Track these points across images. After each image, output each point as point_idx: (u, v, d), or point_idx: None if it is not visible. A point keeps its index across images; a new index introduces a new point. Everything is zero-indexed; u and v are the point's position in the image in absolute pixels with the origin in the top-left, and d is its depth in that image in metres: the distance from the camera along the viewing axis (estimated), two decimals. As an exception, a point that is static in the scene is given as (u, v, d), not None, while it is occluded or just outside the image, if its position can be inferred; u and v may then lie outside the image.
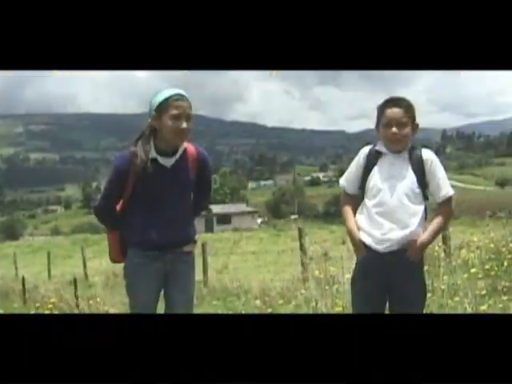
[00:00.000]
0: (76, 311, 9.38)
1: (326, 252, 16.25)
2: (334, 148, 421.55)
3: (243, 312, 8.28)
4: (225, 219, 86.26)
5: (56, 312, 9.05)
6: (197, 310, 10.20)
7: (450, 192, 4.11)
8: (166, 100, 3.99)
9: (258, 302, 8.77)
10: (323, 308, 7.01)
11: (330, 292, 7.54)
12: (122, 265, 4.44)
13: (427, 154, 4.11)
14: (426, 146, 4.22)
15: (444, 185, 4.09)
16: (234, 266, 19.05)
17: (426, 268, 7.73)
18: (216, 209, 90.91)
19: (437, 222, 4.12)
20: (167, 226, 4.19)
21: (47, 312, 8.89)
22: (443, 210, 4.14)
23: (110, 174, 4.15)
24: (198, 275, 13.84)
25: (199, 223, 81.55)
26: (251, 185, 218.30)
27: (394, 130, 4.07)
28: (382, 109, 4.25)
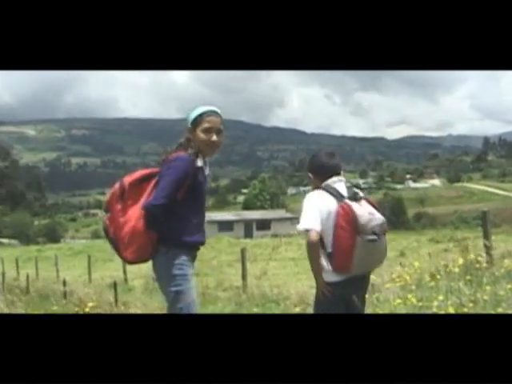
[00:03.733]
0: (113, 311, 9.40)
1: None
2: (374, 154, 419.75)
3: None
4: (264, 225, 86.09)
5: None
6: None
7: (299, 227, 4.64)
8: (200, 115, 4.51)
9: (297, 309, 8.68)
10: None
11: (370, 301, 7.42)
12: None
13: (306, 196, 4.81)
14: (319, 188, 4.77)
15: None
16: (273, 273, 19.00)
17: (468, 278, 7.64)
18: (255, 214, 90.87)
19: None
20: (203, 227, 4.64)
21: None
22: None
23: (171, 174, 4.34)
24: (237, 281, 13.89)
25: (239, 228, 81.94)
26: (291, 191, 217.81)
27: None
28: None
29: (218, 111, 4.60)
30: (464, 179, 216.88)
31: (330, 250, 4.55)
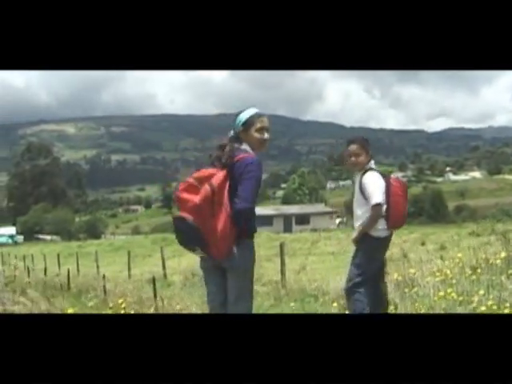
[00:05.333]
0: (152, 310, 9.41)
1: (406, 253, 15.94)
2: (413, 147, 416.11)
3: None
4: (303, 219, 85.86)
5: (132, 311, 9.07)
6: (274, 311, 10.18)
7: (373, 201, 6.10)
8: (252, 117, 4.95)
9: (335, 304, 8.61)
10: (402, 311, 6.81)
11: (409, 295, 7.32)
12: (198, 264, 5.18)
13: (365, 176, 6.25)
14: (372, 169, 6.32)
15: (370, 196, 6.12)
16: (312, 267, 18.90)
17: (510, 272, 7.46)
18: (294, 209, 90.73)
19: (364, 221, 6.26)
20: None
21: (122, 311, 8.89)
22: (371, 214, 6.16)
23: (253, 177, 4.79)
24: (276, 275, 13.84)
25: (278, 223, 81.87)
26: (330, 185, 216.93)
27: (353, 159, 6.35)
28: (346, 146, 6.49)
29: (264, 113, 5.08)
30: (505, 171, 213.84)
31: (384, 214, 6.15)
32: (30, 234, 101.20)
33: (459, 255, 8.68)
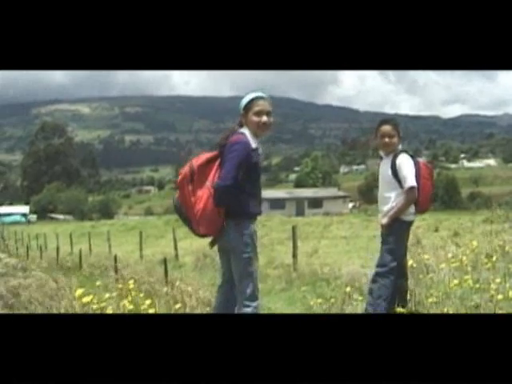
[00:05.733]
0: (165, 289, 9.37)
1: (419, 240, 15.84)
2: (427, 133, 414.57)
3: (332, 299, 8.04)
4: (316, 203, 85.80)
5: (141, 294, 9.04)
6: (286, 294, 10.15)
7: (409, 184, 6.05)
8: (251, 101, 5.10)
9: (348, 288, 8.54)
10: (417, 298, 6.72)
11: (424, 281, 7.22)
12: (209, 245, 5.36)
13: (399, 158, 6.17)
14: (404, 151, 6.25)
15: (406, 178, 6.07)
16: (324, 251, 18.84)
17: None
18: (307, 193, 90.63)
19: (397, 205, 6.16)
20: (260, 200, 5.33)
21: (133, 293, 8.84)
22: (405, 197, 6.11)
23: (235, 157, 4.92)
24: (288, 259, 13.79)
25: (290, 206, 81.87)
26: (343, 169, 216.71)
27: (387, 139, 6.26)
28: (377, 127, 6.38)
29: (265, 96, 5.19)
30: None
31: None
32: (43, 213, 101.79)
33: (474, 243, 8.53)
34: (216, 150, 5.11)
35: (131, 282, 8.60)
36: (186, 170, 5.04)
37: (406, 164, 6.11)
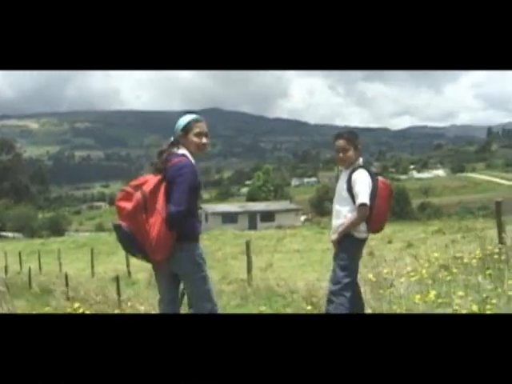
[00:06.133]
0: (117, 310, 9.17)
1: (372, 251, 15.85)
2: (377, 145, 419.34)
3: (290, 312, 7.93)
4: (268, 216, 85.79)
5: (95, 311, 8.82)
6: (241, 310, 9.99)
7: (360, 201, 5.80)
8: (189, 122, 5.22)
9: (304, 304, 8.42)
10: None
11: (384, 296, 7.07)
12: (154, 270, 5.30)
13: (355, 173, 5.91)
14: (363, 167, 5.99)
15: (358, 194, 5.82)
16: (279, 265, 18.77)
17: (489, 272, 7.30)
18: (259, 206, 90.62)
19: (348, 221, 5.93)
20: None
21: (87, 311, 8.62)
22: (356, 213, 5.87)
23: (186, 180, 4.94)
24: (242, 274, 13.65)
25: (243, 220, 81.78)
26: (294, 182, 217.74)
27: (341, 155, 6.02)
28: (333, 141, 6.13)
29: (202, 118, 5.36)
30: (468, 169, 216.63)
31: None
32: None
33: (435, 254, 8.47)
34: (154, 173, 5.06)
35: (77, 304, 8.32)
36: (138, 197, 4.89)
37: (360, 180, 5.87)
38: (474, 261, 7.92)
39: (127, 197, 4.96)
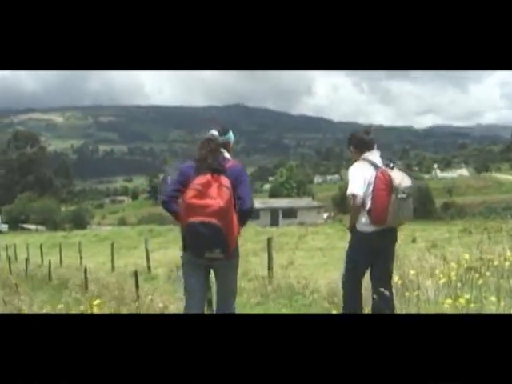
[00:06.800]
0: (136, 304, 9.03)
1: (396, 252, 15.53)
2: (401, 143, 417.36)
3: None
4: (290, 213, 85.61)
5: (113, 305, 8.69)
6: (261, 308, 9.81)
7: (347, 192, 6.21)
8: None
9: (326, 303, 8.23)
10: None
11: (411, 299, 6.78)
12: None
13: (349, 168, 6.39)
14: (361, 160, 6.30)
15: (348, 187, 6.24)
16: (300, 263, 18.57)
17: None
18: (282, 203, 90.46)
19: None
20: None
21: (105, 306, 8.49)
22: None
23: (249, 182, 5.39)
24: (263, 271, 13.45)
25: (265, 216, 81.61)
26: (317, 179, 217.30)
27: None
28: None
29: None
30: (492, 169, 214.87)
31: (368, 207, 6.08)
32: (15, 223, 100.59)
33: (466, 257, 8.14)
34: (212, 173, 5.06)
35: (97, 301, 8.18)
36: (227, 193, 5.00)
37: (349, 173, 6.27)
38: (508, 263, 7.59)
39: (200, 195, 4.93)
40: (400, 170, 6.22)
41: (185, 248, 5.31)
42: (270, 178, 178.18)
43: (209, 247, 4.97)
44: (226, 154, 5.41)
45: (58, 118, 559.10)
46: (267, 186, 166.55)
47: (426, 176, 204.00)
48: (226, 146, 5.53)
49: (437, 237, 21.50)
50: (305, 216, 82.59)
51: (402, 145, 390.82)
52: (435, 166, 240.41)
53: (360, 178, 6.07)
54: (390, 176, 6.01)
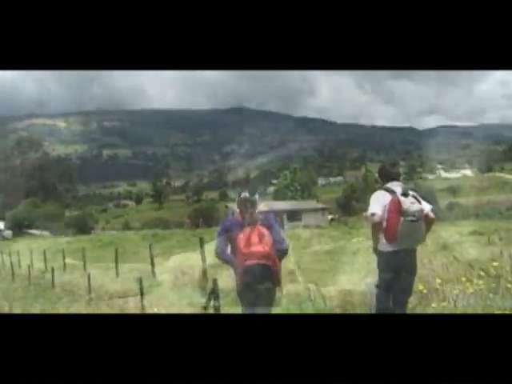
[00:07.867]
0: (139, 311, 8.84)
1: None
2: (404, 144, 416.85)
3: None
4: (295, 216, 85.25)
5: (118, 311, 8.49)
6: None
7: (368, 212, 7.07)
8: None
9: (338, 309, 7.98)
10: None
11: (438, 310, 6.47)
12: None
13: None
14: (381, 188, 7.30)
15: None
16: (307, 267, 18.33)
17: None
18: (286, 205, 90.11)
19: None
20: None
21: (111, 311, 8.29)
22: None
23: (278, 226, 7.01)
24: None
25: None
26: (320, 181, 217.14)
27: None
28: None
29: None
30: (496, 169, 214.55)
31: (383, 227, 6.79)
32: (19, 228, 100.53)
33: (494, 264, 7.78)
34: (249, 225, 6.56)
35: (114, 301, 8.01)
36: (268, 241, 6.42)
37: (371, 198, 7.19)
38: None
39: (248, 244, 6.32)
40: (414, 196, 7.02)
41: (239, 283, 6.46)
42: (274, 181, 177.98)
43: (263, 281, 6.30)
44: (257, 208, 6.89)
45: (61, 123, 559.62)
46: (271, 189, 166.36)
47: (430, 176, 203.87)
48: (255, 203, 7.03)
49: (447, 239, 21.23)
50: (309, 218, 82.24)
51: (406, 145, 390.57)
52: (439, 166, 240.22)
53: (378, 201, 6.98)
54: (398, 200, 6.84)
